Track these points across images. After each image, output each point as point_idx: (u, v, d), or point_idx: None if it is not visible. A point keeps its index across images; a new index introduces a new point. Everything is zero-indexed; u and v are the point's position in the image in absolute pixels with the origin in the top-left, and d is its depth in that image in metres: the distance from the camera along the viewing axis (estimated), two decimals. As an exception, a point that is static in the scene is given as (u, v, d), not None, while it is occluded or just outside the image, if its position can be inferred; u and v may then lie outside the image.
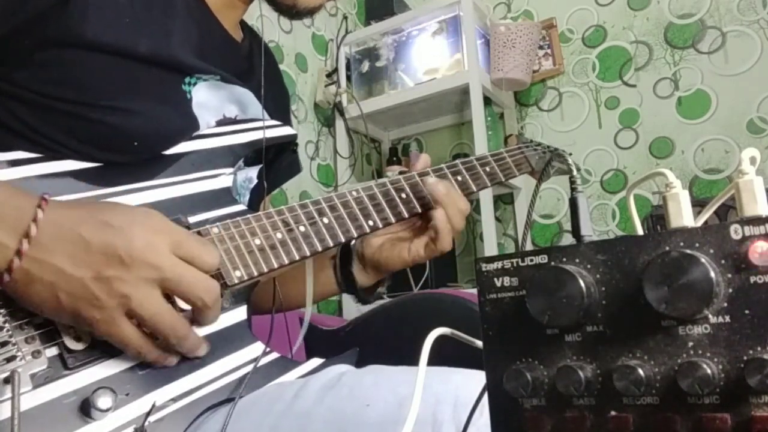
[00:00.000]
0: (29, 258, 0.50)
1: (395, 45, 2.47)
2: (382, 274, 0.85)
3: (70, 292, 0.51)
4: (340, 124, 2.46)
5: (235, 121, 0.78)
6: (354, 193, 0.75)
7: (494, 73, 2.29)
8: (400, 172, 0.83)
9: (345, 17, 2.63)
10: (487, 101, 2.29)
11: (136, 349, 0.55)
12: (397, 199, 0.78)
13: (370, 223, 0.75)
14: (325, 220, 0.71)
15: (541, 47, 2.45)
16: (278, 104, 0.92)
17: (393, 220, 0.77)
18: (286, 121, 0.84)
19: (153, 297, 0.53)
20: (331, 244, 0.71)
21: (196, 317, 0.59)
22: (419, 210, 0.80)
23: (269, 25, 2.25)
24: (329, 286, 0.88)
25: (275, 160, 0.86)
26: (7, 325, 0.53)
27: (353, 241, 0.84)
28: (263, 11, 0.84)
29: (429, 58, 2.40)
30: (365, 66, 2.48)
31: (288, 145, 0.84)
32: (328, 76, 2.48)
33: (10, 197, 0.53)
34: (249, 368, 0.64)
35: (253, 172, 0.84)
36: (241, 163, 0.77)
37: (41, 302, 0.52)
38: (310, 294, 0.83)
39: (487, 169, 0.88)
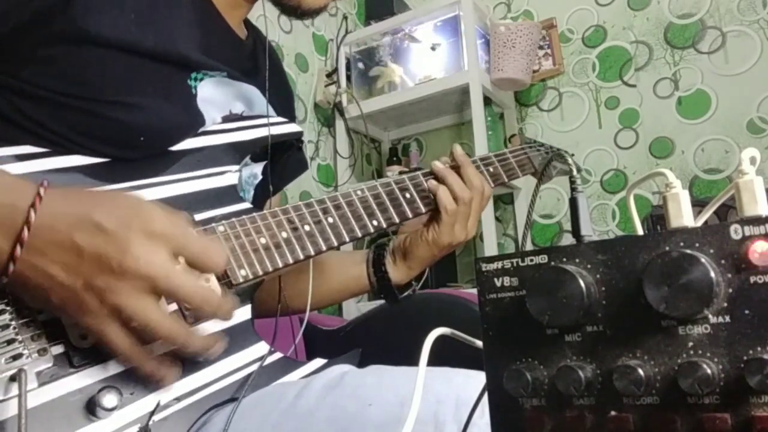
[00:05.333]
0: (23, 261, 0.49)
1: (395, 45, 2.47)
2: (413, 268, 0.87)
3: (62, 298, 0.51)
4: (340, 124, 2.46)
5: (240, 118, 0.78)
6: (359, 193, 0.76)
7: (494, 73, 2.29)
8: (400, 172, 0.84)
9: (345, 17, 2.63)
10: (487, 101, 2.29)
11: (126, 359, 0.54)
12: (401, 199, 0.79)
13: (374, 223, 0.75)
14: (330, 220, 0.71)
15: (541, 47, 2.45)
16: (283, 102, 0.92)
17: (397, 220, 0.77)
18: (291, 119, 0.84)
19: (145, 307, 0.51)
20: (336, 244, 0.71)
21: (201, 319, 0.58)
22: (423, 210, 0.80)
23: (269, 25, 2.25)
24: (360, 281, 0.89)
25: (281, 158, 0.86)
26: (13, 322, 0.53)
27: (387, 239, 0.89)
28: (265, 11, 0.85)
29: (429, 58, 2.40)
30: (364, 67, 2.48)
31: (294, 142, 0.84)
32: (328, 76, 2.48)
33: (3, 194, 0.51)
34: (253, 368, 0.64)
35: (258, 168, 0.84)
36: (247, 159, 0.77)
37: (36, 302, 0.53)
38: (310, 294, 0.83)
39: (491, 169, 0.88)
